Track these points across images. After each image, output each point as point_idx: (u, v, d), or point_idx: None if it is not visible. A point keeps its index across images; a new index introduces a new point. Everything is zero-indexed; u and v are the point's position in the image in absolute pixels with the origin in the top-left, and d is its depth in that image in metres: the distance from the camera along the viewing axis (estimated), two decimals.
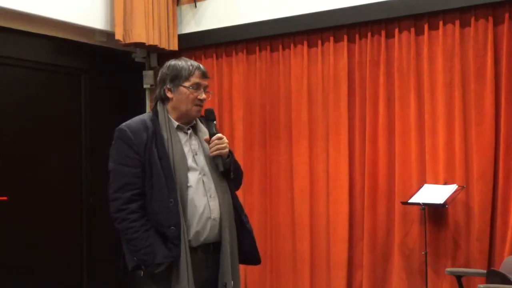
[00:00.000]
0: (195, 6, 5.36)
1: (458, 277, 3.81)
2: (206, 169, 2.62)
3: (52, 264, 4.65)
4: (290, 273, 4.92)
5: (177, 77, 2.61)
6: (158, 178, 2.49)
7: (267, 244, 5.02)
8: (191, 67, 2.62)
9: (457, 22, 4.28)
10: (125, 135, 2.55)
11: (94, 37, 5.02)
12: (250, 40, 5.12)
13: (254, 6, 5.07)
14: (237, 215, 2.68)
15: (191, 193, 2.54)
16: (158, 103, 2.66)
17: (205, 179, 2.59)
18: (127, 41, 4.87)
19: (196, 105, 2.62)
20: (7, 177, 4.40)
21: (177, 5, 5.36)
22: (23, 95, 4.59)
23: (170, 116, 2.63)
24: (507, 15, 4.12)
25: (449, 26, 4.34)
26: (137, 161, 2.53)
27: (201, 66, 2.66)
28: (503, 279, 3.29)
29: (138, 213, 2.50)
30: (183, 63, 2.64)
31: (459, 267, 4.19)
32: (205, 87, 2.66)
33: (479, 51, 4.21)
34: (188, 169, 2.56)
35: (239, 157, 5.05)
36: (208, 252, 2.58)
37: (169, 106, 2.64)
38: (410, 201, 4.21)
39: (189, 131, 2.66)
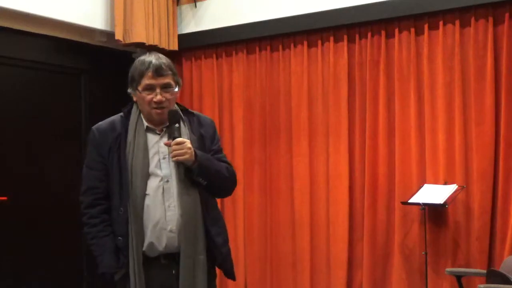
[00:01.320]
0: (195, 6, 5.36)
1: (458, 277, 3.81)
2: (173, 175, 2.39)
3: (52, 264, 4.65)
4: (290, 273, 4.91)
5: (133, 81, 2.42)
6: (114, 184, 2.38)
7: (267, 243, 5.03)
8: (142, 68, 2.37)
9: (457, 22, 4.28)
10: (92, 137, 2.46)
11: (94, 37, 5.01)
12: (250, 40, 5.11)
13: (254, 6, 5.06)
14: (205, 227, 2.42)
15: (147, 202, 2.36)
16: (134, 104, 2.50)
17: (166, 186, 2.38)
18: (127, 41, 4.87)
19: (154, 108, 2.39)
20: (7, 177, 4.40)
21: (177, 5, 5.36)
22: (23, 95, 4.59)
23: (142, 117, 2.46)
24: (507, 15, 4.13)
25: (449, 26, 4.34)
26: (101, 164, 2.41)
27: (153, 63, 2.37)
28: (503, 279, 3.29)
29: (98, 218, 2.41)
30: (138, 63, 2.41)
31: (459, 267, 4.19)
32: (163, 86, 2.38)
33: (479, 51, 4.21)
34: (148, 175, 2.38)
35: (239, 157, 5.08)
36: (173, 261, 2.40)
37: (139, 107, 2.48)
38: (410, 201, 4.21)
39: (161, 133, 2.45)
